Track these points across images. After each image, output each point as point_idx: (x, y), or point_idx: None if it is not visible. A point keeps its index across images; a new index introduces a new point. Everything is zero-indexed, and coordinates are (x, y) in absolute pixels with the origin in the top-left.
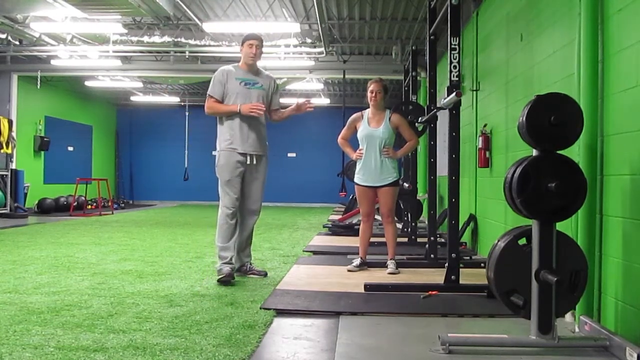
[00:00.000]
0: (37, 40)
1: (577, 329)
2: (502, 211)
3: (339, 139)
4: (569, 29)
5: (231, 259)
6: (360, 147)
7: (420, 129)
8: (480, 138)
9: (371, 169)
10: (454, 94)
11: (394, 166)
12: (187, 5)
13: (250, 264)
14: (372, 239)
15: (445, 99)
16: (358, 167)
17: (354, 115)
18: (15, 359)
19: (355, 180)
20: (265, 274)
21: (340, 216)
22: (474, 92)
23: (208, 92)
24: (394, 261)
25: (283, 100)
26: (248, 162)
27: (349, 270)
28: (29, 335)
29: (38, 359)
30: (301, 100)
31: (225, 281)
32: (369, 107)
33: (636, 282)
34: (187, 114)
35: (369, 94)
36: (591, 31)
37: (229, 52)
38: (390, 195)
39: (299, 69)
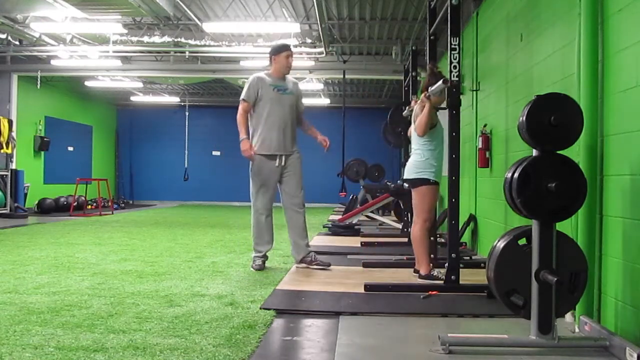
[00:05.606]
0: (37, 40)
1: (577, 329)
2: (502, 211)
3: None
4: (569, 29)
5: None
6: (425, 140)
7: None
8: (480, 138)
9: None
10: (441, 81)
11: None
12: (187, 5)
13: (314, 255)
14: (373, 239)
15: (433, 87)
16: (435, 160)
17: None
18: (15, 359)
19: (435, 177)
20: (329, 265)
21: (340, 216)
22: (474, 92)
23: (242, 97)
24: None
25: None
26: (277, 164)
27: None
28: (29, 335)
29: (38, 359)
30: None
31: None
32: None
33: (636, 282)
34: (187, 114)
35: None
36: (591, 31)
37: (229, 52)
38: None
39: (299, 69)
